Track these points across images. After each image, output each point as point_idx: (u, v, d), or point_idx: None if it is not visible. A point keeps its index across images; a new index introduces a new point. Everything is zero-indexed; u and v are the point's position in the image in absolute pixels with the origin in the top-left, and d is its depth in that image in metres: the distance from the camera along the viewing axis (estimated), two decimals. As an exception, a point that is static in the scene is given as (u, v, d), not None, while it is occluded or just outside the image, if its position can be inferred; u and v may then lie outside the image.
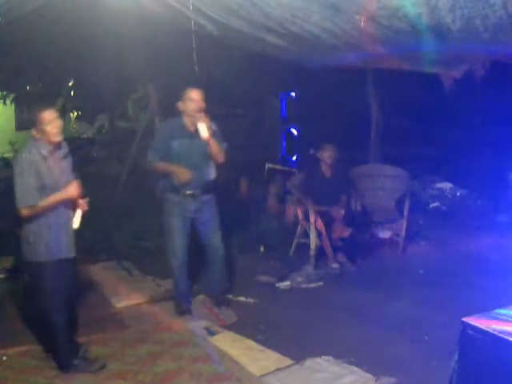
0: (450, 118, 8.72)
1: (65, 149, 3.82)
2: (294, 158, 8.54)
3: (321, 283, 5.57)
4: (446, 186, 8.33)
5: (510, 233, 6.40)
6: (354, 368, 3.78)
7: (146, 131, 7.90)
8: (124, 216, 7.14)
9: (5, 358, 4.00)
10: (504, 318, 2.67)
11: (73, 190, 3.64)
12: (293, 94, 8.51)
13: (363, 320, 4.60)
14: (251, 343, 4.20)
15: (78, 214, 3.74)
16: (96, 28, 6.31)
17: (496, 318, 2.66)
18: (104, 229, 6.75)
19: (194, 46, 4.65)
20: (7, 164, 9.20)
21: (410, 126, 8.91)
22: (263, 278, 5.70)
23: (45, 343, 4.03)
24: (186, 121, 4.57)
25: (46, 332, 3.89)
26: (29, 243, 3.66)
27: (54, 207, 3.62)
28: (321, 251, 5.99)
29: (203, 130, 4.40)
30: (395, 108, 8.42)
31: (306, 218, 6.08)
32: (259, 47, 5.54)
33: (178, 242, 4.68)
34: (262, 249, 6.58)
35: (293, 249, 6.36)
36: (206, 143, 4.49)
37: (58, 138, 3.66)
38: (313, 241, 5.93)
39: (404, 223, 6.41)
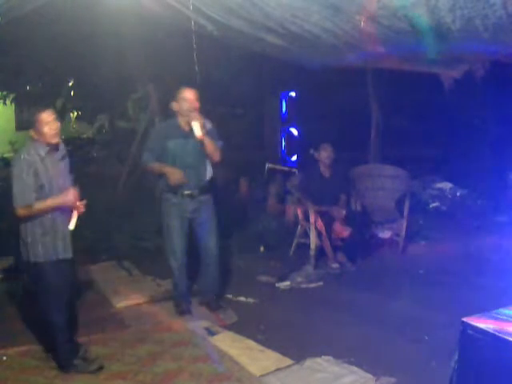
0: (450, 117, 8.72)
1: (62, 150, 3.82)
2: (294, 158, 8.54)
3: (321, 283, 5.57)
4: (446, 185, 8.34)
5: (510, 233, 6.39)
6: (354, 368, 3.78)
7: (146, 131, 7.89)
8: (124, 216, 7.14)
9: (5, 357, 4.00)
10: (504, 318, 2.67)
11: (69, 197, 3.64)
12: (293, 93, 8.51)
13: (363, 320, 4.60)
14: (251, 343, 4.20)
15: (74, 215, 3.74)
16: (96, 28, 6.31)
17: (496, 318, 2.66)
18: (104, 229, 6.75)
19: (194, 45, 4.65)
20: (7, 164, 9.19)
21: (410, 126, 8.91)
22: (263, 278, 5.70)
23: (45, 343, 4.03)
24: (181, 121, 4.57)
25: (45, 332, 3.89)
26: (26, 244, 3.67)
27: (50, 210, 3.63)
28: (321, 251, 5.99)
29: (197, 128, 4.40)
30: (395, 108, 8.42)
31: (306, 218, 6.08)
32: (259, 47, 5.54)
33: (176, 243, 4.68)
34: (262, 249, 6.58)
35: (293, 249, 6.36)
36: (201, 142, 4.49)
37: (55, 140, 3.66)
38: (313, 241, 5.93)
39: (404, 223, 6.41)
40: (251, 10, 4.07)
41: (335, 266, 5.94)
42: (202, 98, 4.53)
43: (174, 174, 4.50)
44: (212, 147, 4.54)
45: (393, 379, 3.62)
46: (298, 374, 3.74)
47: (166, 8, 4.51)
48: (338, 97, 8.66)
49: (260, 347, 4.13)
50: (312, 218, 5.93)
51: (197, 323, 4.55)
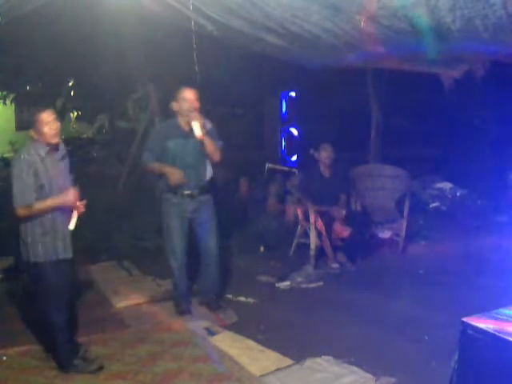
0: (450, 117, 8.72)
1: (62, 150, 3.82)
2: (294, 158, 8.54)
3: (321, 283, 5.57)
4: (446, 186, 8.34)
5: (510, 233, 6.40)
6: (354, 368, 3.78)
7: (146, 131, 7.89)
8: (124, 216, 7.14)
9: (5, 357, 4.00)
10: (504, 318, 2.67)
11: (69, 197, 3.64)
12: (293, 93, 8.51)
13: (363, 320, 4.60)
14: (251, 343, 4.20)
15: (74, 215, 3.73)
16: (96, 28, 6.31)
17: (496, 318, 2.66)
18: (104, 229, 6.75)
19: (194, 46, 4.65)
20: (7, 164, 9.20)
21: (410, 127, 8.91)
22: (263, 278, 5.70)
23: (45, 343, 4.03)
24: (181, 121, 4.57)
25: (45, 332, 3.89)
26: (26, 244, 3.67)
27: (50, 210, 3.63)
28: (321, 251, 5.99)
29: (197, 128, 4.40)
30: (395, 108, 8.42)
31: (306, 218, 6.08)
32: (259, 47, 5.54)
33: (176, 243, 4.68)
34: (262, 249, 6.58)
35: (293, 249, 6.36)
36: (201, 142, 4.49)
37: (55, 140, 3.66)
38: (313, 241, 5.93)
39: (404, 223, 6.41)
40: (251, 10, 4.07)
41: (335, 266, 5.94)
42: (202, 98, 4.53)
43: (174, 174, 4.50)
44: (212, 147, 4.54)
45: (393, 379, 3.62)
46: (298, 374, 3.74)
47: (166, 8, 4.51)
48: (337, 97, 8.66)
49: (260, 347, 4.13)
50: (312, 218, 5.93)
51: (197, 323, 4.55)
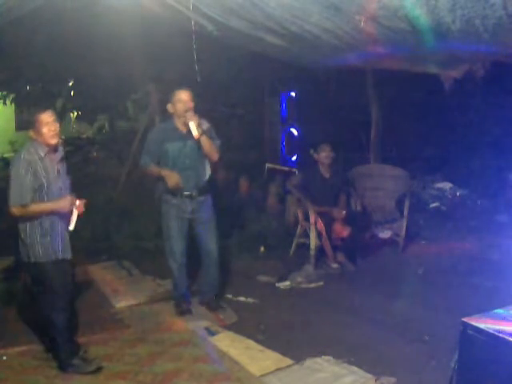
0: (450, 117, 8.72)
1: (61, 152, 3.82)
2: (294, 158, 8.54)
3: (321, 283, 5.57)
4: (446, 186, 8.34)
5: (510, 233, 6.40)
6: (354, 368, 3.78)
7: (146, 131, 7.89)
8: (124, 216, 7.14)
9: (5, 357, 4.00)
10: (504, 318, 2.68)
11: (65, 203, 3.63)
12: (293, 93, 8.51)
13: (363, 320, 4.60)
14: (251, 343, 4.20)
15: (74, 216, 3.73)
16: (96, 28, 6.31)
17: (496, 318, 2.67)
18: (104, 229, 6.75)
19: (194, 45, 4.64)
20: (7, 164, 9.19)
21: (410, 127, 8.91)
22: (263, 278, 5.71)
23: (45, 343, 4.04)
24: (177, 122, 4.58)
25: (46, 332, 3.90)
26: (26, 244, 3.67)
27: (44, 214, 3.63)
28: (321, 251, 5.99)
29: (193, 128, 4.41)
30: (395, 108, 8.42)
31: (306, 218, 6.08)
32: (259, 47, 5.54)
33: (176, 244, 4.69)
34: (262, 249, 6.58)
35: (293, 249, 6.36)
36: (198, 142, 4.50)
37: (54, 141, 3.67)
38: (313, 241, 5.93)
39: (404, 223, 6.41)
40: (251, 10, 4.07)
41: (335, 266, 5.94)
42: (202, 98, 4.54)
43: (172, 178, 4.51)
44: (210, 147, 4.55)
45: (393, 379, 3.63)
46: (298, 374, 3.74)
47: (166, 8, 4.51)
48: (337, 97, 8.65)
49: (260, 347, 4.13)
50: (312, 218, 5.93)
51: (197, 323, 4.55)
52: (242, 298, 5.15)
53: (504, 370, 2.46)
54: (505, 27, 3.60)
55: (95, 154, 10.24)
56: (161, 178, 4.62)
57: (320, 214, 5.95)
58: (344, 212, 6.00)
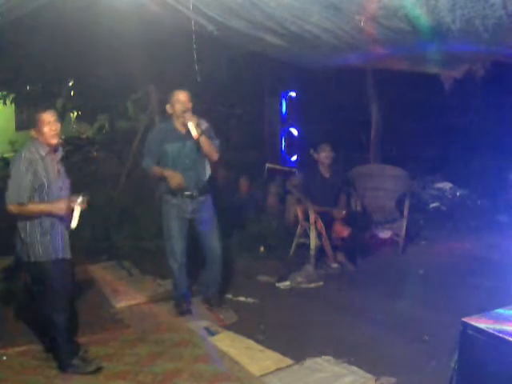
0: (450, 117, 8.72)
1: (61, 152, 3.82)
2: (294, 158, 8.54)
3: (321, 283, 5.57)
4: (446, 186, 8.35)
5: (510, 233, 6.40)
6: (354, 368, 3.78)
7: (145, 131, 7.89)
8: (124, 216, 7.14)
9: (5, 357, 4.00)
10: (504, 318, 2.68)
11: (62, 206, 3.61)
12: (293, 93, 8.51)
13: (363, 320, 4.60)
14: (251, 343, 4.20)
15: (77, 212, 3.72)
16: (96, 28, 6.30)
17: (496, 318, 2.67)
18: (104, 229, 6.75)
19: (194, 45, 4.64)
20: (7, 164, 9.19)
21: (410, 126, 8.91)
22: (263, 278, 5.71)
23: (45, 343, 4.03)
24: (176, 123, 4.59)
25: (45, 332, 3.89)
26: (26, 243, 3.66)
27: (40, 214, 3.62)
28: (321, 251, 5.99)
29: (192, 128, 4.42)
30: (395, 108, 8.42)
31: (306, 218, 6.08)
32: (259, 47, 5.54)
33: (176, 244, 4.69)
34: (262, 249, 6.58)
35: (293, 249, 6.35)
36: (197, 142, 4.50)
37: (54, 141, 3.67)
38: (313, 241, 5.93)
39: (404, 223, 6.41)
40: (251, 10, 4.07)
41: (335, 266, 5.94)
42: (201, 98, 4.54)
43: (175, 178, 4.52)
44: (209, 146, 4.56)
45: (393, 379, 3.62)
46: (298, 374, 3.74)
47: (166, 8, 4.51)
48: (337, 97, 8.66)
49: (260, 347, 4.13)
50: (312, 218, 5.93)
51: (197, 323, 4.55)
52: (241, 298, 5.15)
53: (504, 370, 2.46)
54: (505, 27, 3.60)
55: (95, 153, 10.24)
56: (163, 179, 4.62)
57: (320, 214, 5.95)
58: (344, 212, 6.00)
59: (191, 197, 4.63)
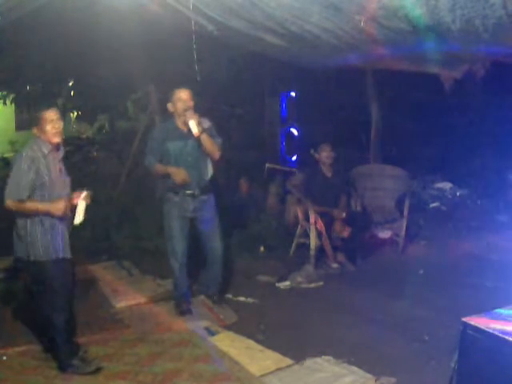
0: (450, 117, 8.72)
1: (62, 151, 3.82)
2: (294, 158, 8.54)
3: (321, 283, 5.57)
4: (446, 186, 8.35)
5: (510, 233, 6.40)
6: (354, 368, 3.78)
7: (146, 131, 7.89)
8: (124, 216, 7.14)
9: (5, 357, 4.00)
10: (504, 318, 2.68)
11: (60, 207, 3.60)
12: (293, 93, 8.51)
13: (363, 320, 4.60)
14: (251, 343, 4.20)
15: (82, 206, 3.69)
16: (96, 28, 6.30)
17: (496, 318, 2.67)
18: (104, 229, 6.75)
19: (194, 46, 4.64)
20: (7, 164, 9.18)
21: (410, 126, 8.91)
22: (263, 278, 5.71)
23: (44, 343, 4.03)
24: (178, 121, 4.60)
25: (45, 332, 3.89)
26: (26, 242, 3.66)
27: (38, 213, 3.61)
28: (321, 251, 5.99)
29: (193, 126, 4.42)
30: (395, 108, 8.42)
31: (306, 218, 6.08)
32: (259, 47, 5.54)
33: (177, 243, 4.69)
34: (262, 249, 6.58)
35: (293, 249, 6.35)
36: (199, 141, 4.50)
37: (56, 139, 3.67)
38: (313, 241, 5.93)
39: (404, 223, 6.41)
40: (251, 10, 4.07)
41: (335, 266, 5.94)
42: (202, 98, 4.54)
43: (179, 174, 4.53)
44: (210, 145, 4.56)
45: (393, 379, 3.63)
46: (298, 374, 3.74)
47: (166, 8, 4.51)
48: (338, 97, 8.66)
49: (260, 347, 4.13)
50: (312, 219, 5.93)
51: (197, 323, 4.55)
52: (241, 298, 5.15)
53: (504, 370, 2.46)
54: (505, 27, 3.60)
55: (95, 153, 10.23)
56: (166, 176, 4.62)
57: (320, 214, 5.95)
58: (344, 214, 6.00)
59: (193, 195, 4.64)
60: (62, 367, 3.79)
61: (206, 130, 4.55)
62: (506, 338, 2.47)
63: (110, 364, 3.89)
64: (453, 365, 2.77)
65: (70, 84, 8.79)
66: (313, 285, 5.54)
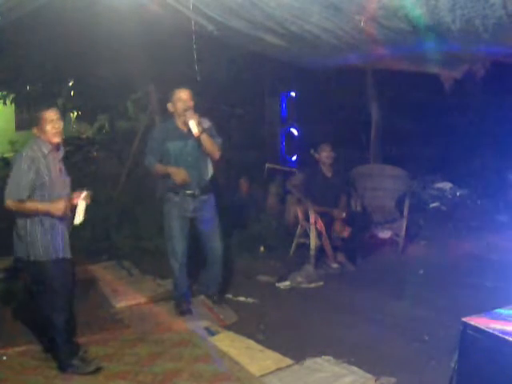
0: (450, 117, 8.72)
1: (62, 151, 3.82)
2: (294, 158, 8.54)
3: (321, 283, 5.57)
4: (446, 186, 8.35)
5: (510, 233, 6.40)
6: (354, 368, 3.78)
7: (146, 131, 7.89)
8: (124, 216, 7.14)
9: (5, 357, 4.00)
10: (504, 318, 2.68)
11: (59, 207, 3.59)
12: (293, 93, 8.51)
13: (363, 320, 4.60)
14: (251, 343, 4.20)
15: (81, 206, 3.70)
16: (96, 28, 6.30)
17: (496, 318, 2.67)
18: (104, 229, 6.75)
19: (194, 46, 4.64)
20: (7, 164, 9.18)
21: (410, 126, 8.91)
22: (263, 278, 5.71)
23: (44, 343, 4.03)
24: (178, 121, 4.60)
25: (45, 332, 3.89)
26: (26, 243, 3.66)
27: (37, 213, 3.61)
28: (321, 251, 5.99)
29: (193, 126, 4.43)
30: (395, 108, 8.42)
31: (306, 218, 6.08)
32: (259, 47, 5.54)
33: (178, 243, 4.69)
34: (262, 249, 6.58)
35: (293, 249, 6.36)
36: (199, 141, 4.50)
37: (56, 139, 3.67)
38: (313, 241, 5.93)
39: (404, 223, 6.41)
40: (251, 10, 4.07)
41: (335, 266, 5.94)
42: (202, 98, 4.54)
43: (179, 174, 4.53)
44: (211, 145, 4.56)
45: (393, 379, 3.63)
46: (298, 374, 3.74)
47: (166, 8, 4.51)
48: (338, 97, 8.66)
49: (260, 347, 4.13)
50: (312, 219, 5.93)
51: (197, 323, 4.55)
52: (241, 298, 5.15)
53: (504, 370, 2.46)
54: (505, 27, 3.60)
55: (95, 153, 10.22)
56: (166, 176, 4.62)
57: (320, 214, 5.95)
58: (344, 214, 6.00)
59: (193, 195, 4.64)
60: (62, 367, 3.79)
61: (206, 130, 4.55)
62: (506, 337, 2.47)
63: (110, 364, 3.89)
64: (453, 365, 2.77)
65: (70, 84, 8.78)
66: (313, 285, 5.54)
